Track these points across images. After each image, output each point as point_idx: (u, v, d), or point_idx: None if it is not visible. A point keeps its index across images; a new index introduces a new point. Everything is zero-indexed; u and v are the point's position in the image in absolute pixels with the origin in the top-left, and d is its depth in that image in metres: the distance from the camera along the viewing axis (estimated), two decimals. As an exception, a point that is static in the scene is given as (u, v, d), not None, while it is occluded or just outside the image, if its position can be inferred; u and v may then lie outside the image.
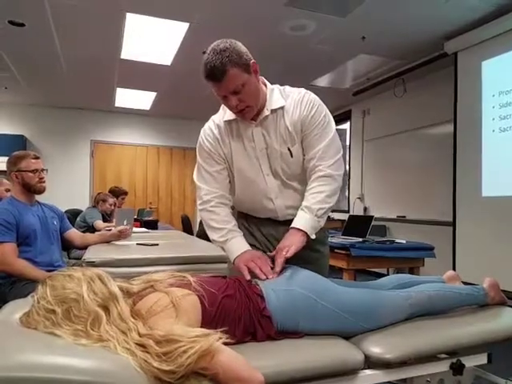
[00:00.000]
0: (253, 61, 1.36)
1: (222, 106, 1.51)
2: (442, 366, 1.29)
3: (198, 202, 1.55)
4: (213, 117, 1.56)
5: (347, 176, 6.71)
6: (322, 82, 5.55)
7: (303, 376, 1.05)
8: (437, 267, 2.95)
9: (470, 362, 1.35)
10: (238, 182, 1.52)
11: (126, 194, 5.23)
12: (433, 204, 4.91)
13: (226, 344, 0.94)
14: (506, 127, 3.65)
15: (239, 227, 1.54)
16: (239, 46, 1.35)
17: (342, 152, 1.50)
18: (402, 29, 3.99)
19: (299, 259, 1.38)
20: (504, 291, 1.60)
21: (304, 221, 1.40)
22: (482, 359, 1.40)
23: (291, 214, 1.50)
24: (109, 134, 7.58)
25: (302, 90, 1.50)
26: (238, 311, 1.13)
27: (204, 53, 1.38)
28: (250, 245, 1.52)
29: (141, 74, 5.35)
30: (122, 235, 2.73)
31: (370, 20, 3.79)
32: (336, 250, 2.99)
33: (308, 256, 1.50)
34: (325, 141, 1.44)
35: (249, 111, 1.40)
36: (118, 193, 4.96)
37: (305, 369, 1.05)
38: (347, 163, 6.70)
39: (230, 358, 0.92)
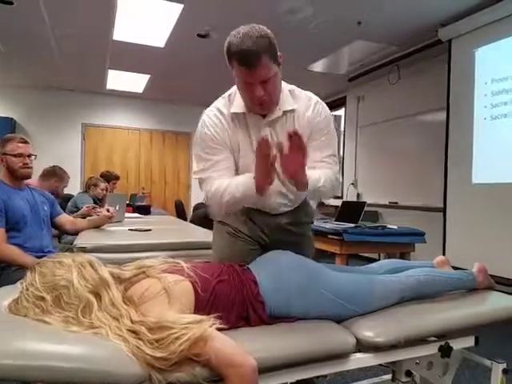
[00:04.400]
0: (280, 53, 1.32)
1: (226, 94, 1.45)
2: (431, 349, 1.32)
3: (208, 195, 1.39)
4: (216, 104, 1.46)
5: (341, 162, 6.72)
6: (318, 67, 5.50)
7: (296, 360, 1.07)
8: (427, 252, 3.00)
9: (458, 344, 1.38)
10: (241, 169, 1.46)
11: (117, 178, 5.18)
12: (424, 190, 4.95)
13: (219, 329, 0.95)
14: (498, 115, 3.67)
15: (234, 214, 1.52)
16: (273, 36, 1.29)
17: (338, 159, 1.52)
18: (397, 15, 3.96)
19: (288, 244, 1.41)
20: (492, 276, 1.63)
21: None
22: (470, 342, 1.44)
23: (283, 209, 1.52)
24: (100, 117, 7.48)
25: (311, 95, 1.48)
26: (231, 297, 1.13)
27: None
28: (240, 232, 1.52)
29: (133, 56, 5.26)
30: (111, 217, 2.70)
31: (366, 5, 3.75)
32: (329, 236, 3.02)
33: (296, 240, 1.54)
34: (332, 147, 1.47)
35: (269, 104, 1.35)
36: (109, 177, 4.92)
37: (298, 353, 1.07)
38: (341, 149, 6.71)
39: (223, 343, 0.93)
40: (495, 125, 3.69)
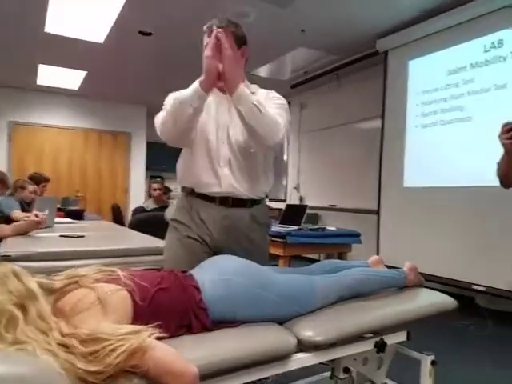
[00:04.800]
0: (246, 46, 1.58)
1: None
2: (367, 345, 1.37)
3: (159, 115, 1.54)
4: None
5: (285, 166, 6.87)
6: (262, 71, 5.58)
7: (239, 364, 1.06)
8: (363, 252, 3.15)
9: (392, 339, 1.46)
10: (197, 141, 1.57)
11: (47, 181, 4.87)
12: (361, 194, 5.20)
13: (158, 339, 0.91)
14: (427, 123, 3.96)
15: (183, 207, 1.62)
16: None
17: (285, 127, 1.56)
18: (339, 25, 4.13)
19: (243, 250, 1.47)
20: (422, 273, 1.74)
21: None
22: (402, 337, 1.52)
23: (232, 190, 1.55)
24: (30, 115, 6.98)
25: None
26: (172, 304, 1.10)
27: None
28: (187, 226, 1.58)
29: (68, 51, 4.97)
30: (39, 223, 2.51)
31: (309, 14, 3.87)
32: (273, 239, 3.06)
33: (251, 246, 1.59)
34: (280, 109, 1.58)
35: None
36: (38, 180, 4.59)
37: (240, 357, 1.06)
38: (285, 154, 6.88)
39: (163, 353, 0.89)
40: (425, 133, 3.98)
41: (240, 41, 1.55)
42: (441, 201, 3.74)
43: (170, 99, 1.50)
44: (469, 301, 3.49)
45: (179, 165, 1.67)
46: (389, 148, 4.36)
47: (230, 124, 1.58)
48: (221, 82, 1.44)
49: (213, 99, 1.58)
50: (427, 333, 2.27)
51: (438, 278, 3.56)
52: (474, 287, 3.37)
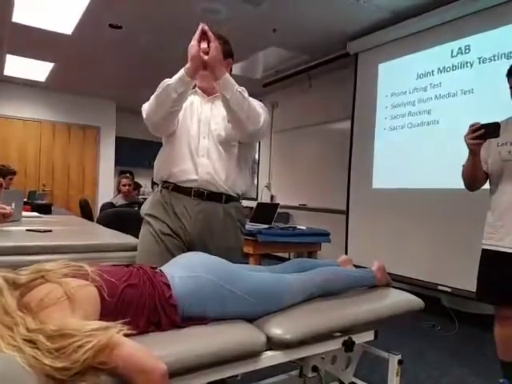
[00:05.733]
0: (231, 60, 1.78)
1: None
2: (336, 344, 1.39)
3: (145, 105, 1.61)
4: None
5: (256, 165, 6.88)
6: (234, 69, 5.54)
7: (207, 362, 1.05)
8: (332, 252, 3.20)
9: (360, 339, 1.48)
10: (178, 134, 1.63)
11: (14, 173, 4.69)
12: (330, 194, 5.28)
13: (127, 335, 0.90)
14: (395, 126, 4.06)
15: (158, 201, 1.64)
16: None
17: (265, 120, 1.63)
18: (310, 26, 4.16)
19: (216, 247, 1.52)
20: (389, 274, 1.78)
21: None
22: (370, 336, 1.55)
23: (208, 178, 1.58)
24: (-4, 106, 6.70)
25: None
26: (141, 301, 1.08)
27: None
28: (161, 221, 1.59)
29: (36, 42, 4.80)
30: (5, 217, 2.42)
31: (281, 13, 3.88)
32: (244, 236, 3.06)
33: (224, 243, 1.62)
34: (260, 106, 1.66)
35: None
36: (4, 172, 4.42)
37: (208, 355, 1.06)
38: (257, 153, 6.88)
39: (131, 350, 0.88)
40: (393, 135, 4.07)
41: (226, 53, 1.65)
42: (408, 202, 3.83)
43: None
44: (435, 301, 3.55)
45: (157, 160, 1.71)
46: (358, 149, 4.44)
47: (211, 119, 1.64)
48: (205, 71, 1.50)
49: (197, 98, 1.69)
50: (394, 333, 2.34)
51: (405, 278, 3.63)
52: (440, 288, 3.44)
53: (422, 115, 3.81)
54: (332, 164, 5.33)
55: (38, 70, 5.94)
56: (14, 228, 2.46)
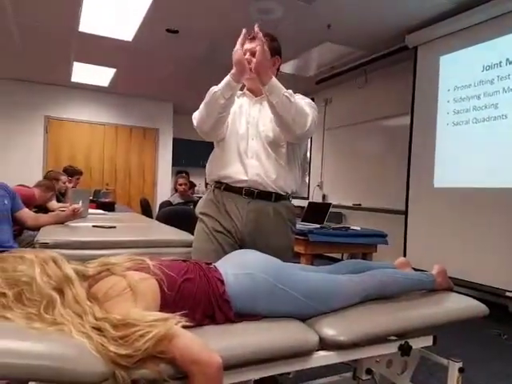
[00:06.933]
0: (279, 57, 1.73)
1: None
2: (391, 348, 1.35)
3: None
4: None
5: (307, 163, 6.83)
6: (287, 68, 5.55)
7: (260, 357, 1.07)
8: (389, 254, 3.09)
9: (417, 343, 1.43)
10: (227, 137, 1.67)
11: (81, 173, 5.03)
12: (387, 193, 5.10)
13: (184, 327, 0.94)
14: (459, 121, 3.83)
15: (210, 200, 1.69)
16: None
17: (313, 120, 1.61)
18: (366, 20, 4.05)
19: (267, 245, 1.52)
20: (451, 278, 1.69)
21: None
22: (428, 341, 1.48)
23: (257, 178, 1.61)
24: (64, 111, 7.21)
25: None
26: (197, 295, 1.12)
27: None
28: (214, 219, 1.65)
29: (100, 49, 5.11)
30: (76, 214, 2.62)
31: (336, 8, 3.82)
32: (295, 236, 3.05)
33: (275, 241, 1.64)
34: (308, 105, 1.64)
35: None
36: (72, 172, 4.76)
37: (262, 350, 1.07)
38: (308, 151, 6.81)
39: (188, 341, 0.92)
40: (457, 131, 3.85)
41: (274, 51, 1.65)
42: (473, 202, 3.62)
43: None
44: (502, 308, 3.35)
45: (208, 163, 1.76)
46: (418, 146, 4.25)
47: (260, 121, 1.66)
48: (252, 74, 1.52)
49: (246, 100, 1.73)
50: (454, 339, 2.22)
51: (468, 282, 3.44)
52: (508, 294, 3.23)
53: (488, 109, 3.58)
54: (388, 162, 5.15)
55: (101, 75, 6.31)
56: (81, 224, 2.65)
